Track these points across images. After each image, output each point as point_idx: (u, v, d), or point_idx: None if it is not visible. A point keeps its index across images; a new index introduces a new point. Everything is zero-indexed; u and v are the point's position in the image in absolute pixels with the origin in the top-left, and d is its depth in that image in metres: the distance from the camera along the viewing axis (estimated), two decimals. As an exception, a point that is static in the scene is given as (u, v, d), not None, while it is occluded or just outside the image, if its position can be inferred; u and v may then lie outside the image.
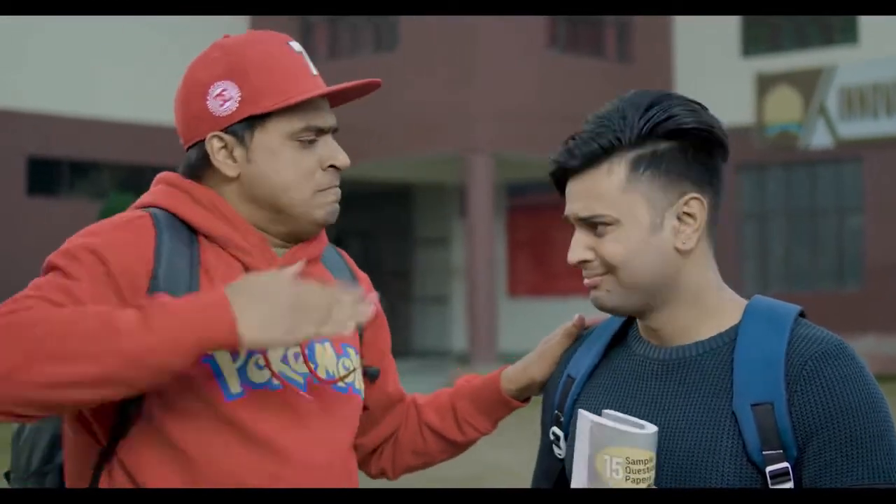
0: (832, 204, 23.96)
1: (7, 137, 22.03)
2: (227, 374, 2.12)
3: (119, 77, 23.20)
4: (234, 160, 2.20)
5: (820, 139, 23.74)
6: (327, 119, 2.23)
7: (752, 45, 24.64)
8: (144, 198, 2.26)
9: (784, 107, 23.99)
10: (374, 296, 2.09)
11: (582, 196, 2.10)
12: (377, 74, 22.55)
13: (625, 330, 2.23)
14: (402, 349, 26.76)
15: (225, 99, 2.19)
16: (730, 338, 2.09)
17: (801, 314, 2.11)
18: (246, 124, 2.18)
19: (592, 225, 2.09)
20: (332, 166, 2.22)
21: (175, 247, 2.15)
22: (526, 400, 2.49)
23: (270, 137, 2.19)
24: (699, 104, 2.11)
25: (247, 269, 2.19)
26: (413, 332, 27.98)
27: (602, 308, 2.13)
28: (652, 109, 2.08)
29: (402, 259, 28.43)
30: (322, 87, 2.22)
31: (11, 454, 2.33)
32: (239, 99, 2.18)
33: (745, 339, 2.06)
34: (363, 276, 2.46)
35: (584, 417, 1.99)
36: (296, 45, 2.24)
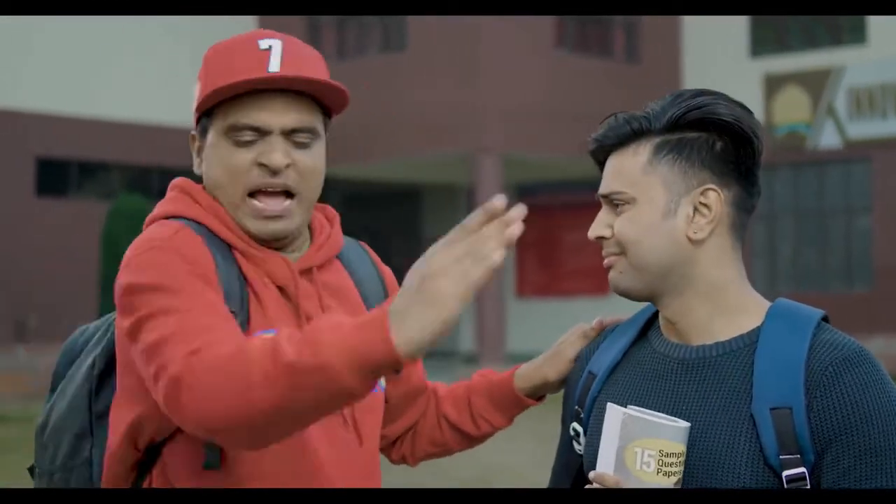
0: (841, 204, 23.92)
1: (16, 138, 22.05)
2: None
3: (127, 78, 23.21)
4: (200, 157, 2.23)
5: (828, 139, 23.70)
6: (272, 118, 2.14)
7: (760, 45, 24.61)
8: (165, 206, 2.22)
9: (792, 107, 23.95)
10: (519, 209, 1.76)
11: (608, 175, 2.14)
12: (385, 75, 22.61)
13: (648, 329, 2.23)
14: (410, 350, 26.69)
15: (195, 97, 2.21)
16: (751, 340, 2.08)
17: (825, 319, 2.10)
18: (203, 121, 2.19)
19: (613, 203, 2.13)
20: (262, 164, 2.14)
21: (222, 255, 2.15)
22: (540, 398, 2.48)
23: (213, 135, 2.17)
24: (744, 106, 2.12)
25: (269, 276, 2.17)
26: (421, 333, 27.93)
27: (616, 289, 2.15)
28: (690, 101, 2.10)
29: (410, 260, 28.15)
30: (264, 81, 2.13)
31: (35, 449, 2.33)
32: (197, 96, 2.19)
33: (766, 342, 2.05)
34: (387, 270, 2.45)
35: (616, 410, 1.98)
36: (264, 42, 2.16)
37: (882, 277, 23.19)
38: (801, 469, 1.99)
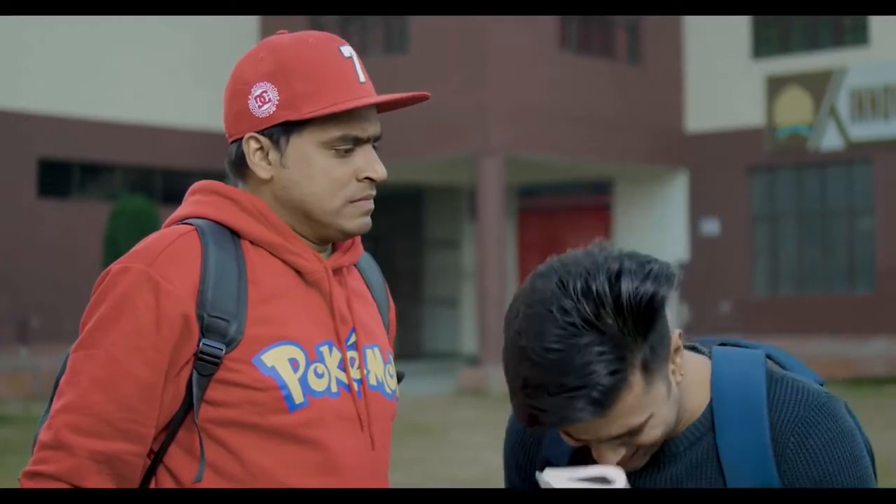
0: (843, 206, 23.91)
1: (18, 139, 22.06)
2: (291, 385, 2.12)
3: (130, 79, 23.22)
4: (269, 163, 2.19)
5: (830, 141, 23.70)
6: (367, 128, 2.21)
7: (762, 46, 24.60)
8: (188, 209, 2.23)
9: (794, 109, 23.95)
10: None
11: (608, 421, 2.01)
12: (388, 76, 22.59)
13: None
14: (412, 351, 26.73)
15: (264, 101, 2.17)
16: (706, 425, 2.11)
17: (768, 357, 2.14)
18: (282, 128, 2.17)
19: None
20: (367, 178, 2.21)
21: (222, 261, 2.14)
22: None
23: (305, 144, 2.17)
24: (627, 253, 2.04)
25: (299, 272, 2.19)
26: (423, 335, 27.96)
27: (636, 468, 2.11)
28: (618, 301, 1.96)
29: (412, 261, 28.42)
30: (366, 96, 2.19)
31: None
32: (277, 102, 2.16)
33: (723, 427, 2.09)
34: (384, 280, 2.48)
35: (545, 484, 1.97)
36: (346, 50, 2.21)
37: (884, 279, 23.18)
38: None
